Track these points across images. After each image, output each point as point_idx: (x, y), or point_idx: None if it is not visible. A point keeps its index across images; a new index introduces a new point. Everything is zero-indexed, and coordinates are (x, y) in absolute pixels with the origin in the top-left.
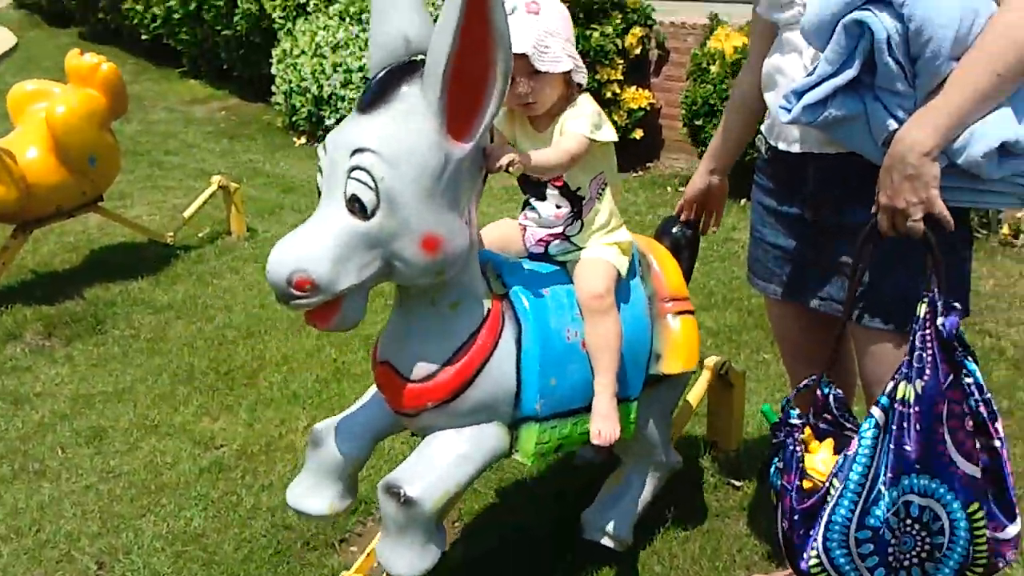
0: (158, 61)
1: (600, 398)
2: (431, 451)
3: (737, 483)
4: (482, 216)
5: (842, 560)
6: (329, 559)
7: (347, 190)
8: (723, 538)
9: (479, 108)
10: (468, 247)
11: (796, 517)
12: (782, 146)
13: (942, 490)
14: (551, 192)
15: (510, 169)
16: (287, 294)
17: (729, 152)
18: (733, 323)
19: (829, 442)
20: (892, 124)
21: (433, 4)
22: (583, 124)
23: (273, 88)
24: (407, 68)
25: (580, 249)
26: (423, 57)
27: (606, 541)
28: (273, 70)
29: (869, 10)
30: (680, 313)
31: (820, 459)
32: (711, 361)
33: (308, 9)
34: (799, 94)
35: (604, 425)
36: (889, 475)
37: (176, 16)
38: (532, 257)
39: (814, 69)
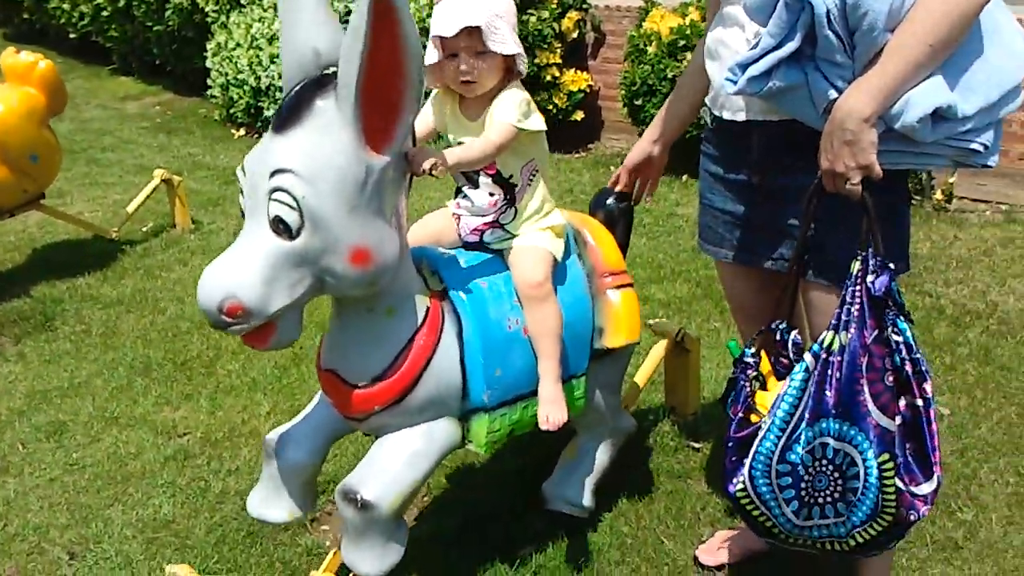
0: (86, 59)
1: (545, 383)
2: (384, 452)
3: (696, 445)
4: (425, 201)
5: (764, 489)
6: (302, 538)
7: (270, 212)
8: (686, 497)
9: (396, 117)
10: (399, 253)
11: (731, 444)
12: (726, 115)
13: (859, 438)
14: (484, 180)
15: (434, 173)
16: (220, 322)
17: (679, 122)
18: (683, 294)
19: (785, 382)
20: (832, 93)
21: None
22: (510, 113)
23: (209, 81)
24: (320, 82)
25: (515, 237)
26: (335, 70)
27: (568, 509)
28: (208, 63)
29: None
30: (620, 287)
31: (771, 396)
32: (667, 328)
33: (242, 2)
34: (744, 66)
35: (551, 410)
36: (808, 416)
37: (105, 13)
38: (467, 246)
39: (757, 43)
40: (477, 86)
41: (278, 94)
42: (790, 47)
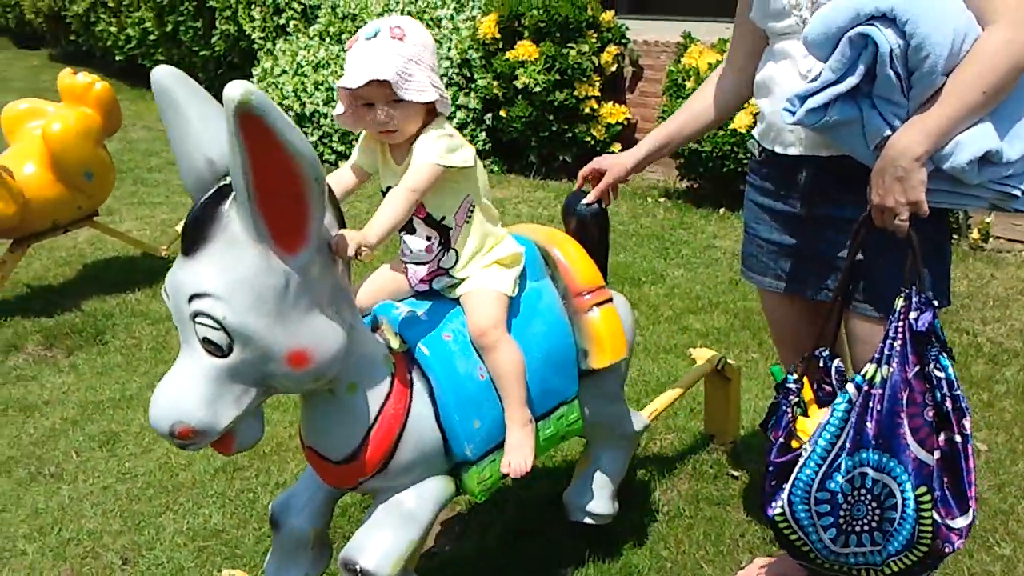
0: (132, 81)
1: (511, 430)
2: (379, 517)
3: (736, 473)
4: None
5: (802, 515)
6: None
7: (198, 333)
8: (725, 524)
9: (304, 216)
10: (342, 341)
11: (771, 469)
12: (778, 149)
13: (898, 469)
14: (417, 223)
15: (360, 256)
16: (177, 444)
17: (682, 140)
18: (721, 325)
19: (827, 410)
20: (886, 130)
21: None
22: (433, 151)
23: None
24: (220, 194)
25: (462, 281)
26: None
27: (588, 519)
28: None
29: (874, 26)
30: (599, 304)
31: (812, 423)
32: (707, 355)
33: (288, 30)
34: (803, 98)
35: (515, 456)
36: (848, 446)
37: (152, 38)
38: (420, 296)
39: (817, 76)
40: (398, 134)
41: (323, 120)
42: (850, 82)
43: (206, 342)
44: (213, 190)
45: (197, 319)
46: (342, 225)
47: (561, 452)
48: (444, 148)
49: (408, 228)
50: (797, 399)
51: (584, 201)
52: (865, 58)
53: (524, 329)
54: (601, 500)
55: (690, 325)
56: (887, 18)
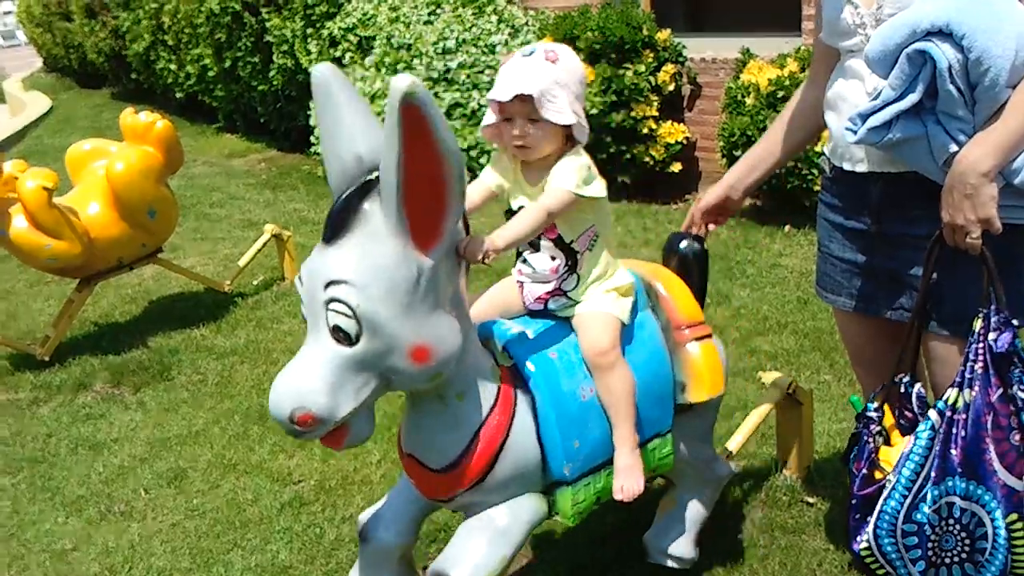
0: (192, 118)
1: (620, 453)
2: (472, 531)
3: (811, 500)
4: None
5: (889, 548)
6: None
7: (328, 321)
8: (802, 553)
9: (442, 215)
10: (460, 342)
11: (855, 502)
12: (847, 166)
13: (986, 497)
14: (545, 244)
15: (486, 261)
16: (293, 431)
17: (763, 172)
18: (790, 346)
19: (910, 438)
20: (952, 147)
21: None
22: (570, 180)
23: (312, 139)
24: (364, 188)
25: (578, 303)
26: (379, 174)
27: (669, 562)
28: (312, 121)
29: (932, 41)
30: (699, 339)
31: (896, 452)
32: (777, 380)
33: (344, 62)
34: (864, 117)
35: (627, 480)
36: (934, 475)
37: (211, 74)
38: (532, 314)
39: (878, 94)
40: (531, 151)
41: None
42: (911, 99)
43: (336, 330)
44: (358, 184)
45: (331, 305)
46: (468, 232)
47: None
48: (581, 179)
49: (534, 246)
50: (879, 428)
51: (686, 241)
52: (924, 75)
53: (625, 357)
54: (684, 543)
55: (758, 347)
56: (943, 33)
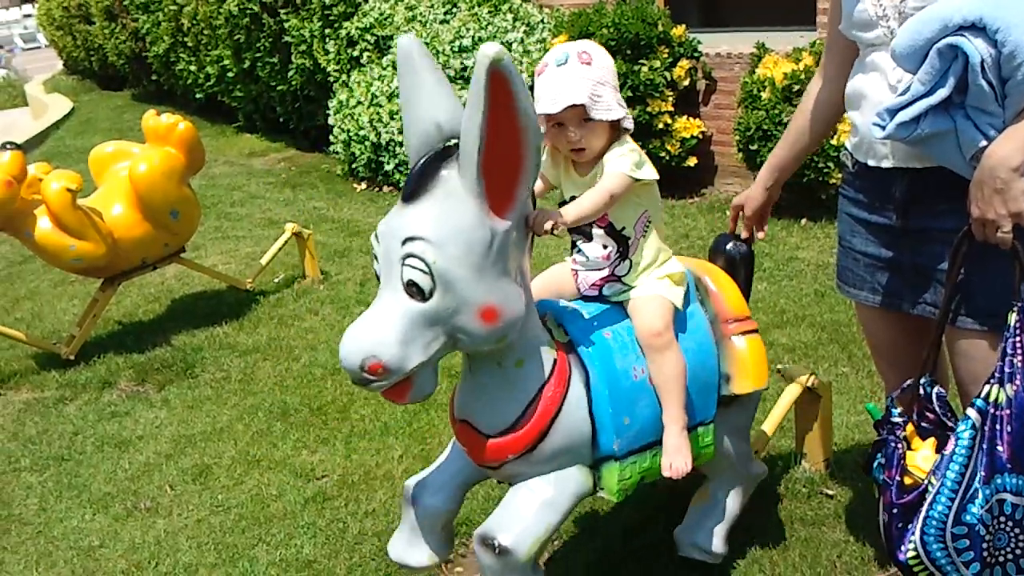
0: (212, 118)
1: (669, 432)
2: (519, 499)
3: (830, 492)
4: (543, 250)
5: (939, 554)
6: None
7: (403, 276)
8: (821, 545)
9: (516, 183)
10: (524, 309)
11: (895, 511)
12: (871, 162)
13: None
14: (597, 232)
15: (555, 232)
16: (363, 379)
17: (795, 161)
18: (808, 339)
19: (932, 441)
20: (982, 141)
21: None
22: (624, 163)
23: (331, 138)
24: (443, 154)
25: (632, 288)
26: (456, 141)
27: (699, 555)
28: (331, 120)
29: (964, 36)
30: (745, 333)
31: (922, 456)
32: (796, 374)
33: (362, 62)
34: (892, 112)
35: (675, 459)
36: (983, 473)
37: (230, 75)
38: (586, 299)
39: (907, 88)
40: (587, 152)
41: (398, 149)
42: (941, 94)
43: (410, 285)
44: (437, 150)
45: (407, 261)
46: (535, 207)
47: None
48: (633, 163)
49: (586, 235)
50: (904, 433)
51: (732, 242)
52: (955, 69)
53: None
54: (715, 539)
55: (776, 340)
56: (976, 28)
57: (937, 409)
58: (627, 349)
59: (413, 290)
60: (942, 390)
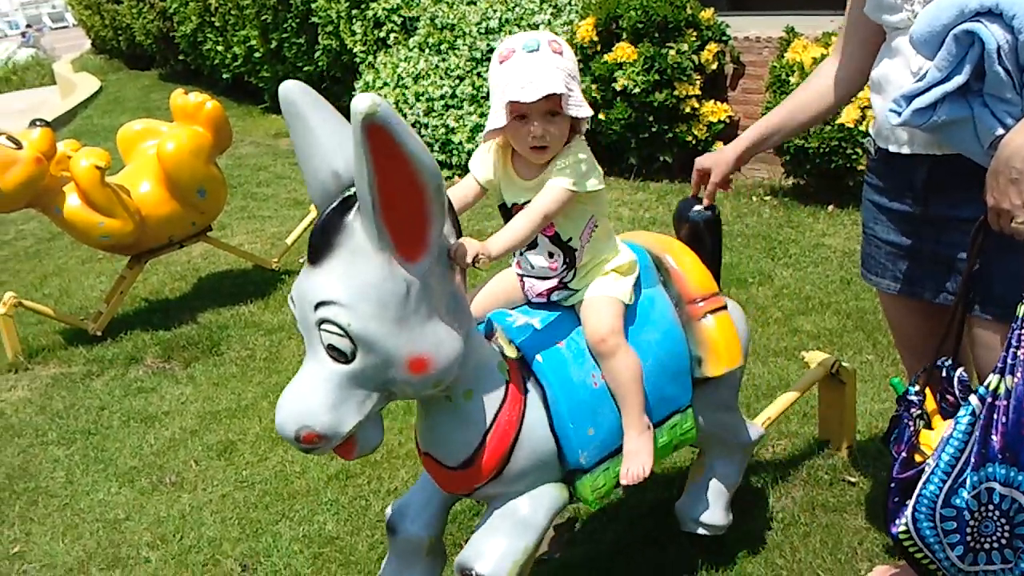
0: (238, 98)
1: (628, 437)
2: (494, 523)
3: (852, 479)
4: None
5: (928, 532)
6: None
7: (323, 340)
8: (843, 532)
9: (424, 226)
10: (460, 347)
11: (893, 485)
12: (892, 148)
13: None
14: (542, 240)
15: (477, 264)
16: (302, 448)
17: (781, 136)
18: (833, 326)
19: (950, 422)
20: (999, 129)
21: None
22: (566, 177)
23: None
24: (345, 204)
25: (581, 291)
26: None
27: (701, 530)
28: None
29: (980, 22)
30: (713, 311)
31: (936, 435)
32: (821, 359)
33: (388, 43)
34: (909, 98)
35: (633, 463)
36: (974, 460)
37: (257, 55)
38: (533, 305)
39: (924, 75)
40: (549, 150)
41: (423, 131)
42: (957, 81)
43: (331, 348)
44: (338, 201)
45: (323, 326)
46: (459, 234)
47: (673, 460)
48: (579, 174)
49: (530, 244)
50: (919, 411)
51: (697, 207)
52: (972, 56)
53: (637, 337)
54: (715, 511)
55: (801, 327)
56: (993, 14)
57: (957, 392)
58: (582, 356)
59: (335, 354)
60: (964, 373)
